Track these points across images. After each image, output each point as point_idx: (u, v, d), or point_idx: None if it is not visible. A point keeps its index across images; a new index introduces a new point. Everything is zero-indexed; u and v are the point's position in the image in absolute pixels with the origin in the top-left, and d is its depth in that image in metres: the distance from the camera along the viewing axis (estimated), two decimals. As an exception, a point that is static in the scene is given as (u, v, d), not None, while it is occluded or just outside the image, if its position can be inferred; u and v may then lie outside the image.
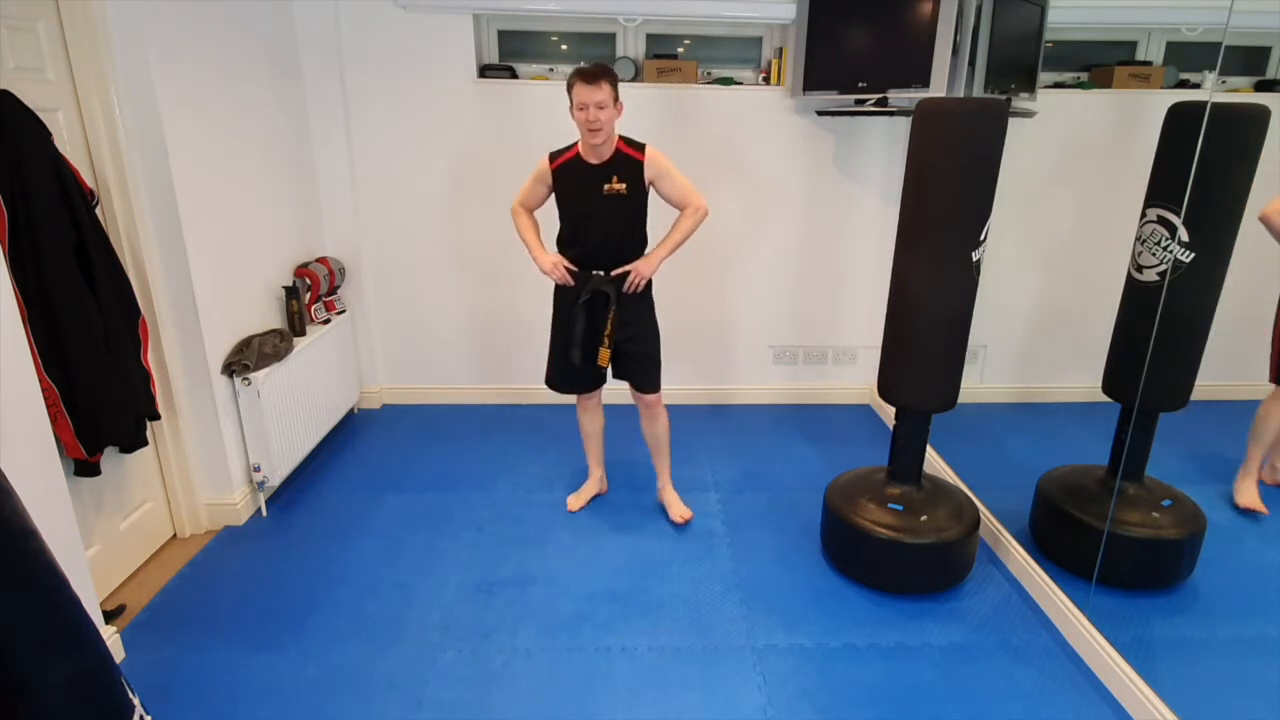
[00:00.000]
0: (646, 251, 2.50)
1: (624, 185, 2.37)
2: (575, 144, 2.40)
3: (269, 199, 2.99)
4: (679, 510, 2.77)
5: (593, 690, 2.00)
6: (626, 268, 2.46)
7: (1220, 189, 2.05)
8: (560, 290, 2.58)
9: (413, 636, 2.19)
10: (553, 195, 2.49)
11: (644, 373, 2.61)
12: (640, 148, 2.38)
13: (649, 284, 2.54)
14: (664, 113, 3.39)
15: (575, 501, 2.88)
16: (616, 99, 2.29)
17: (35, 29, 2.05)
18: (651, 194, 2.45)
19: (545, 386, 2.74)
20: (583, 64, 2.35)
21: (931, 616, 2.30)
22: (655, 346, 2.61)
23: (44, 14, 2.08)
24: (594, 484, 2.93)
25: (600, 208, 2.39)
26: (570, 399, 2.82)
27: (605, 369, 2.59)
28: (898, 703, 1.98)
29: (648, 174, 2.38)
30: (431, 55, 3.30)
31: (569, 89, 2.27)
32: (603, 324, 2.50)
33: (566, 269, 2.49)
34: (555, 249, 2.54)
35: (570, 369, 2.60)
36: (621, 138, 2.38)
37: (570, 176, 2.41)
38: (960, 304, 2.24)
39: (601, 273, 2.49)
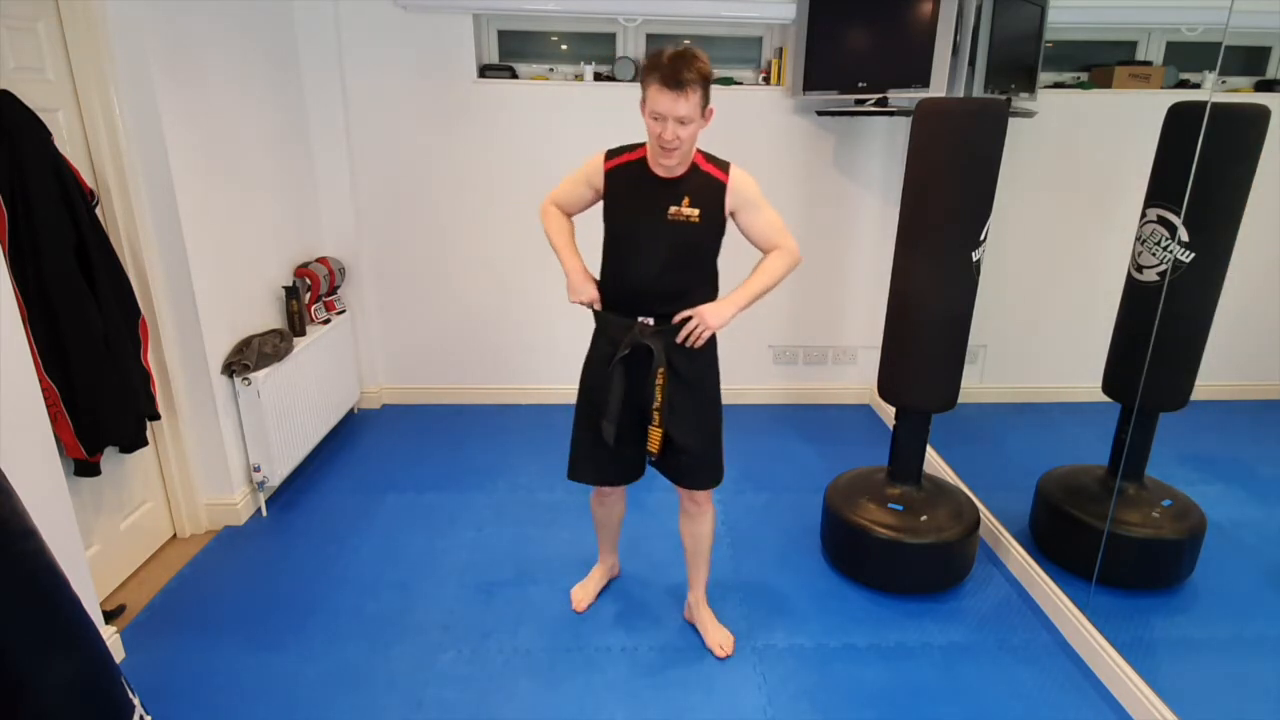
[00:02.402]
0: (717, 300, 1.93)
1: (696, 211, 1.80)
2: (643, 145, 1.84)
3: (269, 199, 2.99)
4: (717, 637, 2.16)
5: (593, 690, 2.00)
6: (689, 312, 1.86)
7: (1220, 189, 2.05)
8: (596, 343, 2.00)
9: (413, 636, 2.18)
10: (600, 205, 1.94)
11: (697, 467, 1.98)
12: (724, 167, 1.84)
13: (713, 341, 1.94)
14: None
15: (582, 598, 2.32)
16: (706, 105, 1.70)
17: (35, 29, 2.05)
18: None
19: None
20: (665, 54, 1.65)
21: (931, 616, 2.30)
22: (717, 430, 2.02)
23: (44, 14, 2.07)
24: (603, 571, 2.39)
25: (659, 234, 1.82)
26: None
27: (650, 456, 1.98)
28: (898, 703, 1.98)
29: (730, 201, 1.83)
30: (431, 55, 3.29)
31: (643, 84, 1.69)
32: (647, 392, 1.90)
33: (603, 308, 1.94)
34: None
35: (599, 451, 1.98)
36: (701, 151, 1.83)
37: (628, 185, 1.85)
38: (960, 304, 2.24)
39: (650, 321, 1.88)
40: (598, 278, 1.96)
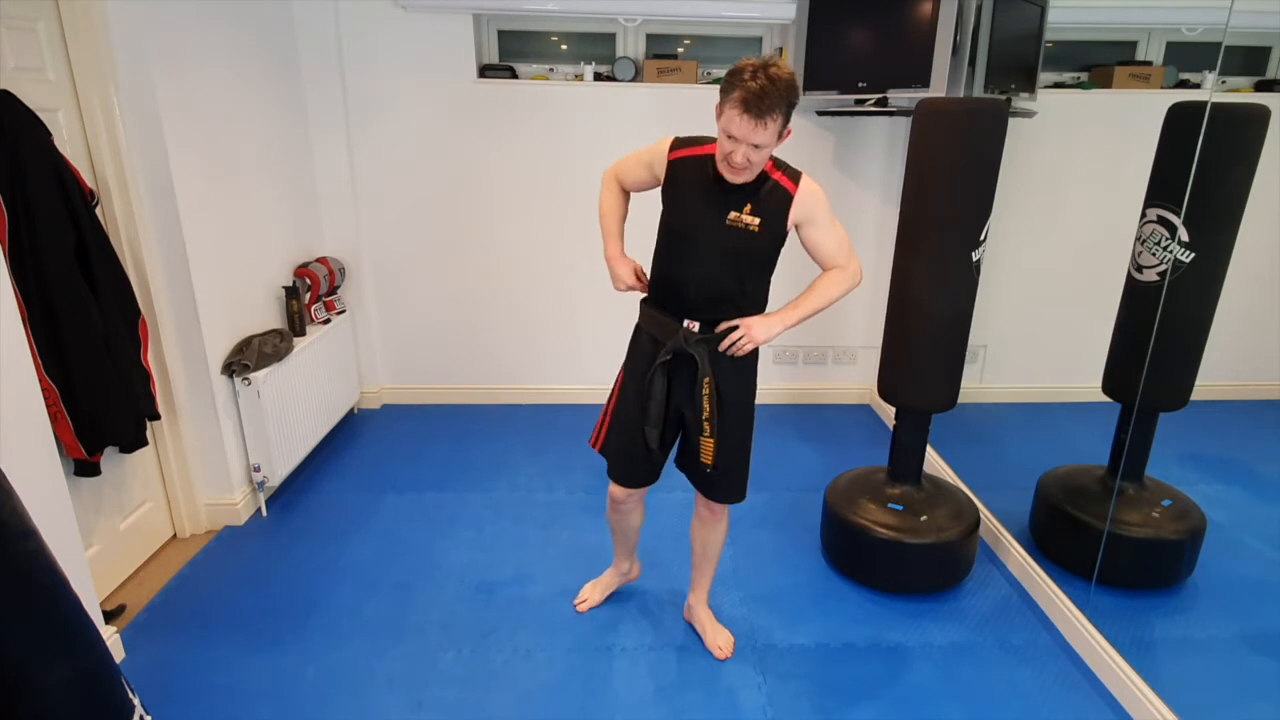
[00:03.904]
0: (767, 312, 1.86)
1: (757, 220, 1.71)
2: (715, 140, 1.71)
3: (269, 199, 2.99)
4: (717, 638, 2.15)
5: (593, 690, 2.00)
6: (736, 322, 1.79)
7: (1220, 189, 2.05)
8: (636, 340, 1.94)
9: (413, 636, 2.19)
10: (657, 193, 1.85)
11: (722, 481, 1.95)
12: (795, 177, 1.74)
13: (754, 357, 1.88)
14: (664, 113, 3.38)
15: (587, 598, 2.32)
16: (784, 129, 1.62)
17: (35, 29, 2.05)
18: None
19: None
20: (751, 70, 1.55)
21: (931, 616, 2.30)
22: (747, 449, 1.96)
23: (44, 14, 2.07)
24: (615, 575, 2.35)
25: (714, 238, 1.73)
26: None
27: (706, 468, 1.91)
28: (898, 703, 1.98)
29: (795, 213, 1.74)
30: (431, 55, 3.29)
31: (722, 94, 1.59)
32: (691, 400, 1.85)
33: (648, 308, 1.87)
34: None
35: (634, 453, 1.95)
36: (773, 158, 1.73)
37: (690, 180, 1.76)
38: (960, 304, 2.24)
39: (695, 326, 1.81)
40: (648, 269, 1.89)
